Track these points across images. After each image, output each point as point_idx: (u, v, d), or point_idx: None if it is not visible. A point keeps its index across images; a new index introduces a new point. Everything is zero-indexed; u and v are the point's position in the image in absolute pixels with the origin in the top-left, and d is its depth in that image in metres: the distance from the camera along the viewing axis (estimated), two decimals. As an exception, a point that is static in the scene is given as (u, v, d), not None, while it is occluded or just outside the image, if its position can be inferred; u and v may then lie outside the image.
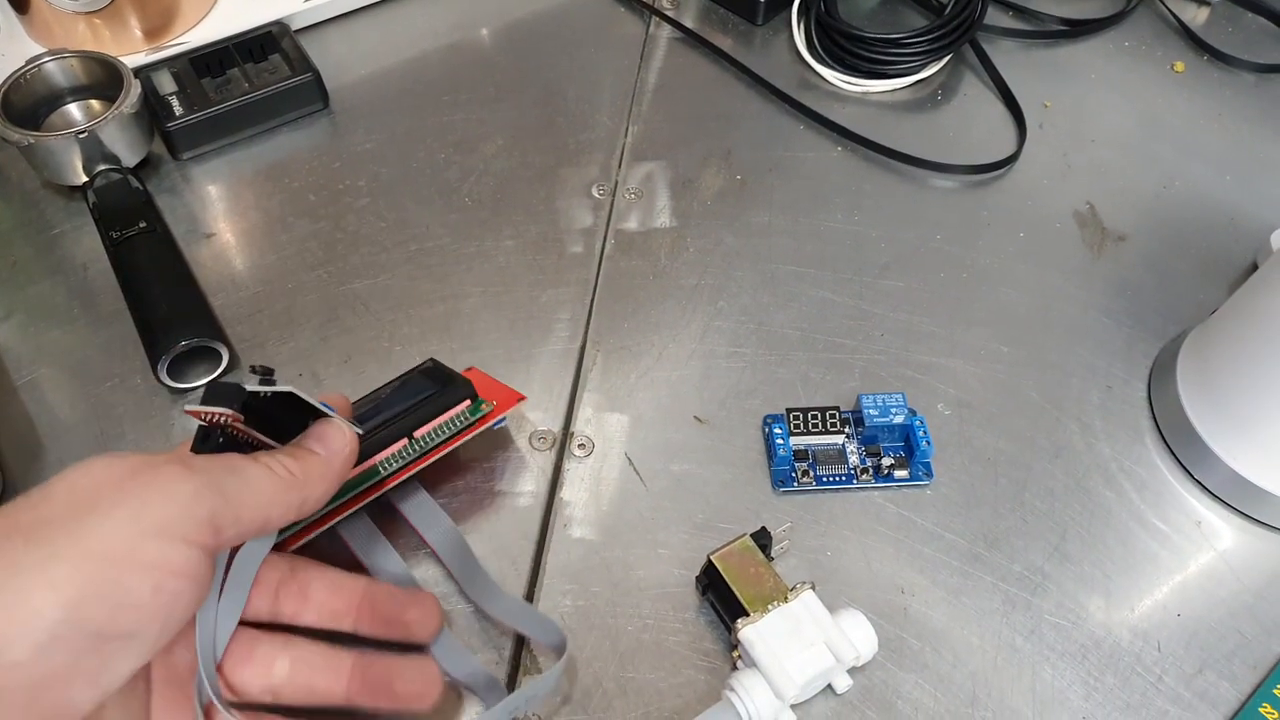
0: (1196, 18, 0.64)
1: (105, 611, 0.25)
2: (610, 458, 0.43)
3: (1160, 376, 0.46)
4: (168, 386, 0.44)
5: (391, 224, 0.51)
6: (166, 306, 0.45)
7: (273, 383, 0.31)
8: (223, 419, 0.30)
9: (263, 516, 0.30)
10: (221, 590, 0.32)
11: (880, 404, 0.42)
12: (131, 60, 0.54)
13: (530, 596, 0.39)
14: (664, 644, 0.38)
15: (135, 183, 0.50)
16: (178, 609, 0.27)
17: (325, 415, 0.33)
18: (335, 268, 0.49)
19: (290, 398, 0.32)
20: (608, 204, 0.53)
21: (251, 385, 0.30)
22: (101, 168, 0.49)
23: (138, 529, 0.26)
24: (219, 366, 0.45)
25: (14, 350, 0.46)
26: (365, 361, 0.46)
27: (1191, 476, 0.43)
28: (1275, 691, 0.37)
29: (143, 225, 0.47)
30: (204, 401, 0.30)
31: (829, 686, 0.36)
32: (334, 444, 0.33)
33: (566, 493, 0.42)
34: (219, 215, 0.52)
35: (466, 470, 0.43)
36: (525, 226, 0.51)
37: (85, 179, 0.49)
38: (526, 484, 0.42)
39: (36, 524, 0.26)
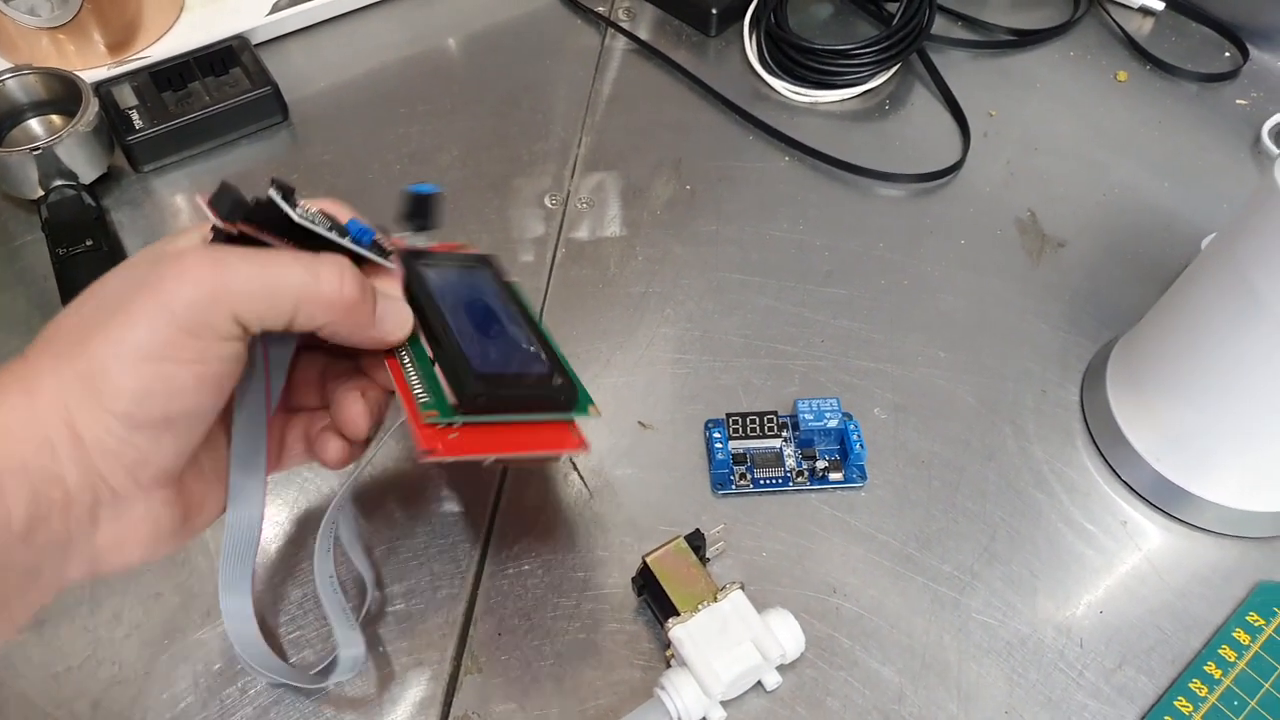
0: (1141, 28, 0.65)
1: (160, 404, 0.27)
2: (555, 462, 0.45)
3: (1092, 381, 0.47)
4: None
5: (347, 235, 0.52)
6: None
7: (287, 199, 0.29)
8: (222, 223, 0.29)
9: (289, 301, 0.29)
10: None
11: (815, 409, 0.44)
12: (94, 74, 0.55)
13: (471, 598, 0.40)
14: (601, 644, 0.39)
15: (89, 199, 0.51)
16: (224, 387, 0.29)
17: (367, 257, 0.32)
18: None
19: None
20: (560, 213, 0.54)
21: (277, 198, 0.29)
22: (57, 183, 0.50)
23: (170, 326, 0.27)
24: None
25: (-27, 361, 0.47)
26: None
27: (1119, 478, 0.45)
28: (1190, 686, 0.38)
29: (89, 244, 0.48)
30: (210, 201, 0.29)
31: (759, 684, 0.38)
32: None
33: (511, 497, 0.43)
34: (180, 227, 0.53)
35: (413, 473, 0.44)
36: (478, 236, 0.53)
37: (41, 193, 0.50)
38: (472, 490, 0.44)
39: (78, 339, 0.27)
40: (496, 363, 0.33)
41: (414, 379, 0.32)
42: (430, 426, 0.31)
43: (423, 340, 0.33)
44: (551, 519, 0.43)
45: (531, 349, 0.34)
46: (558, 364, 0.34)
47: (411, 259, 0.34)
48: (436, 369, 0.32)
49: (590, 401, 0.35)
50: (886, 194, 0.55)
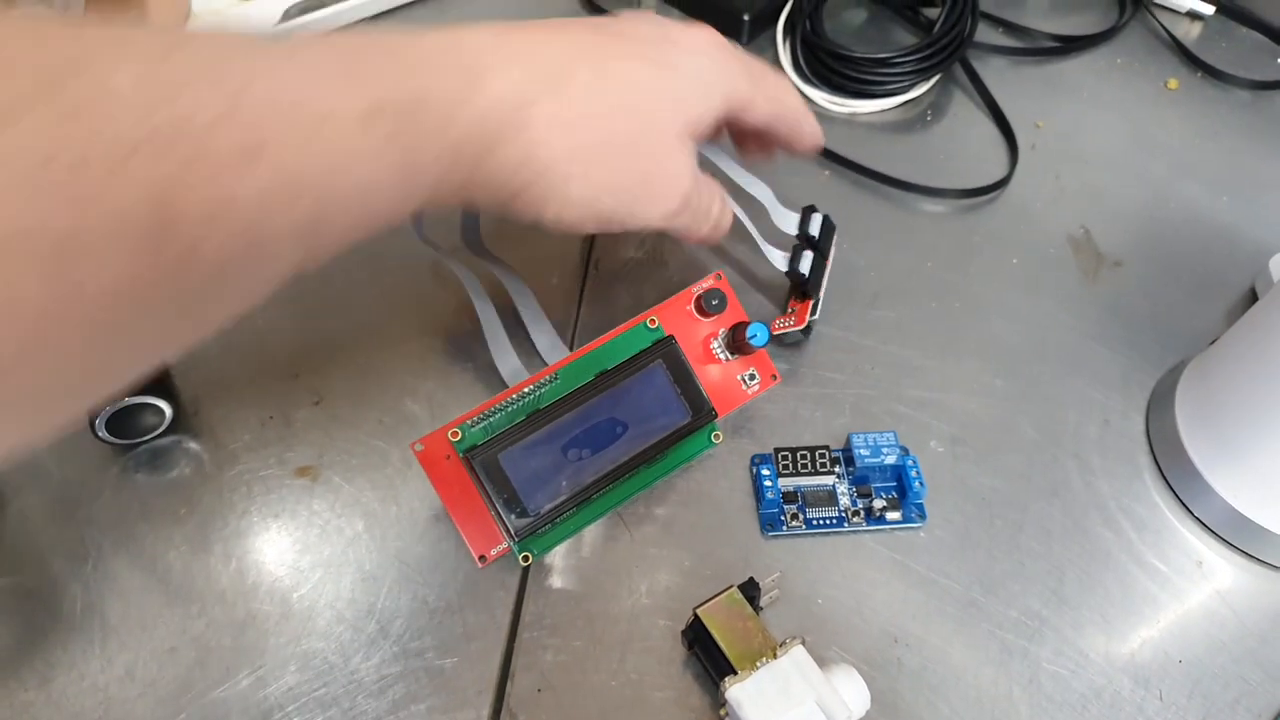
0: (1189, 32, 0.62)
1: None
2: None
3: (1158, 409, 0.44)
4: (108, 443, 0.42)
5: (366, 256, 0.50)
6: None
7: None
8: None
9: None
10: None
11: (871, 443, 0.41)
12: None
13: (509, 650, 0.38)
14: (649, 700, 0.37)
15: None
16: None
17: None
18: (305, 305, 0.48)
19: None
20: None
21: None
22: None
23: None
24: (163, 422, 0.43)
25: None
26: (336, 404, 0.44)
27: (1191, 514, 0.42)
28: (1282, 744, 0.36)
29: None
30: None
31: (820, 746, 0.35)
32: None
33: (547, 539, 0.41)
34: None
35: (442, 514, 0.41)
36: (507, 256, 0.50)
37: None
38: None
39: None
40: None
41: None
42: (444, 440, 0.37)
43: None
44: (590, 561, 0.40)
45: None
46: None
47: None
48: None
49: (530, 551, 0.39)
50: (932, 210, 0.53)
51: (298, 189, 0.25)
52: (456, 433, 0.37)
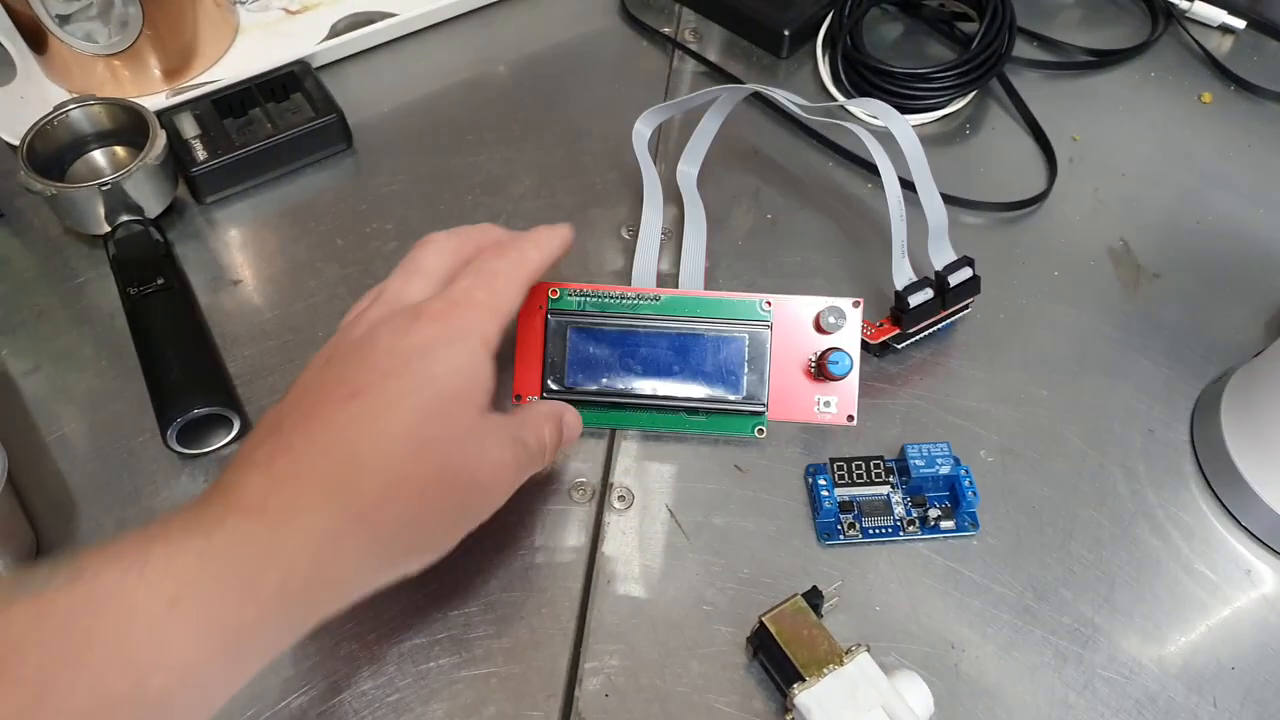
0: (1221, 46, 0.63)
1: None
2: (651, 509, 0.43)
3: (1203, 419, 0.45)
4: (178, 453, 0.43)
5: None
6: (179, 371, 0.44)
7: None
8: None
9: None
10: None
11: (926, 454, 0.42)
12: (151, 102, 0.54)
13: (576, 656, 0.39)
14: (714, 705, 0.38)
15: (156, 234, 0.49)
16: None
17: None
18: (366, 314, 0.49)
19: None
20: (636, 245, 0.52)
21: None
22: (124, 219, 0.48)
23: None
24: (231, 433, 0.44)
25: (44, 403, 0.46)
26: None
27: (1238, 522, 0.43)
28: (1335, 748, 0.37)
29: (160, 282, 0.46)
30: None
31: (884, 750, 0.36)
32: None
33: (608, 547, 0.42)
34: (245, 261, 0.51)
35: (506, 523, 0.42)
36: (556, 270, 0.51)
37: (107, 229, 0.48)
38: (568, 538, 0.42)
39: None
40: None
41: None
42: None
43: None
44: (652, 569, 0.41)
45: None
46: None
47: None
48: None
49: None
50: (972, 222, 0.54)
51: None
52: (555, 292, 0.43)
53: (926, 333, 0.47)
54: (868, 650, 0.36)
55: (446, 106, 0.59)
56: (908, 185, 0.46)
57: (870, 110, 0.47)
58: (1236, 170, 0.56)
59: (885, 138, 0.46)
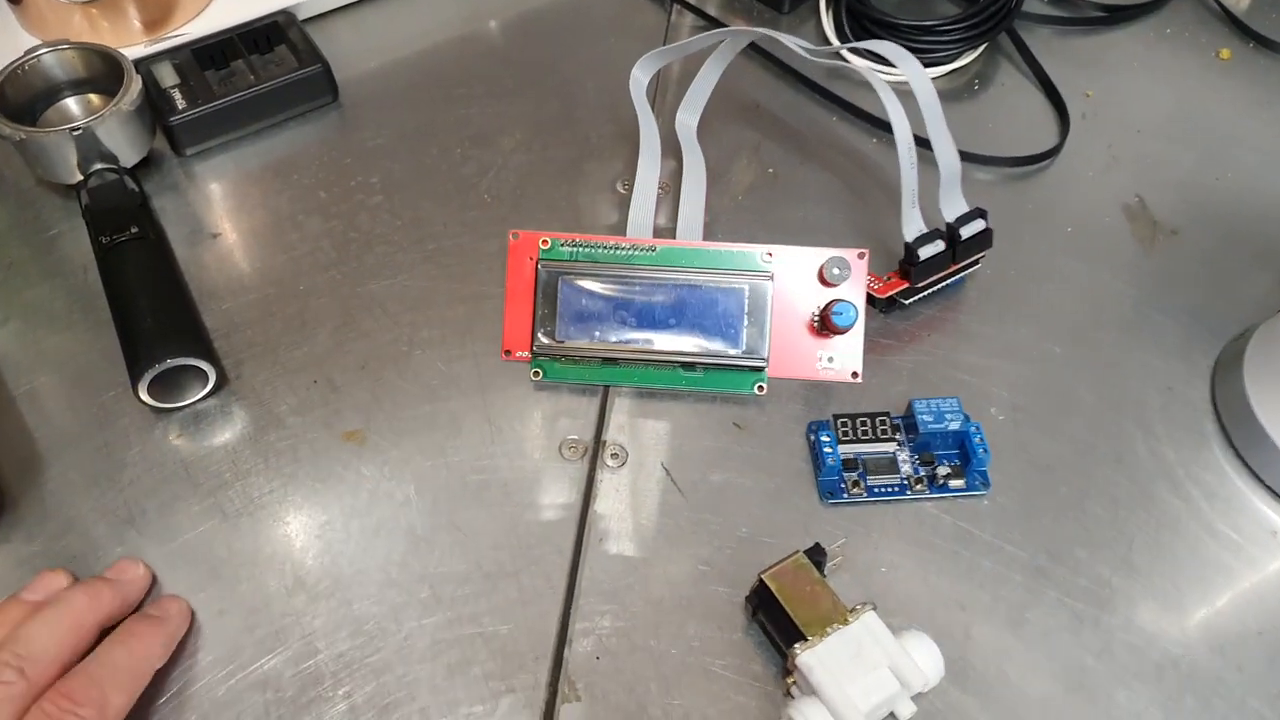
0: (1240, 2, 0.61)
1: None
2: (646, 467, 0.41)
3: (1225, 377, 0.43)
4: (150, 406, 0.41)
5: (407, 222, 0.49)
6: (152, 321, 0.41)
7: None
8: None
9: None
10: None
11: (935, 409, 0.40)
12: (130, 52, 0.51)
13: (566, 616, 0.37)
14: (710, 668, 0.36)
15: (131, 184, 0.47)
16: None
17: None
18: (349, 268, 0.47)
19: None
20: (631, 197, 0.50)
21: None
22: (97, 167, 0.46)
23: None
24: (206, 386, 0.42)
25: (12, 358, 0.44)
26: (382, 367, 0.43)
27: (1262, 483, 0.41)
28: (1368, 714, 0.35)
29: (134, 231, 0.44)
30: None
31: (891, 715, 0.34)
32: None
33: (600, 505, 0.40)
34: (225, 214, 0.49)
35: (493, 480, 0.40)
36: (548, 223, 0.49)
37: (80, 178, 0.46)
38: (558, 496, 0.40)
39: None
40: None
41: None
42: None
43: None
44: (646, 527, 0.39)
45: None
46: None
47: None
48: None
49: None
50: (982, 178, 0.52)
51: None
52: (546, 242, 0.42)
53: (935, 288, 0.45)
54: (874, 609, 0.34)
55: (436, 62, 0.57)
56: (919, 135, 0.43)
57: (881, 51, 0.45)
58: (1256, 127, 0.54)
59: (894, 83, 0.44)
